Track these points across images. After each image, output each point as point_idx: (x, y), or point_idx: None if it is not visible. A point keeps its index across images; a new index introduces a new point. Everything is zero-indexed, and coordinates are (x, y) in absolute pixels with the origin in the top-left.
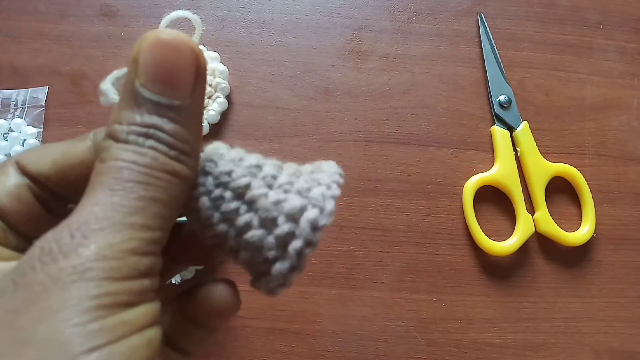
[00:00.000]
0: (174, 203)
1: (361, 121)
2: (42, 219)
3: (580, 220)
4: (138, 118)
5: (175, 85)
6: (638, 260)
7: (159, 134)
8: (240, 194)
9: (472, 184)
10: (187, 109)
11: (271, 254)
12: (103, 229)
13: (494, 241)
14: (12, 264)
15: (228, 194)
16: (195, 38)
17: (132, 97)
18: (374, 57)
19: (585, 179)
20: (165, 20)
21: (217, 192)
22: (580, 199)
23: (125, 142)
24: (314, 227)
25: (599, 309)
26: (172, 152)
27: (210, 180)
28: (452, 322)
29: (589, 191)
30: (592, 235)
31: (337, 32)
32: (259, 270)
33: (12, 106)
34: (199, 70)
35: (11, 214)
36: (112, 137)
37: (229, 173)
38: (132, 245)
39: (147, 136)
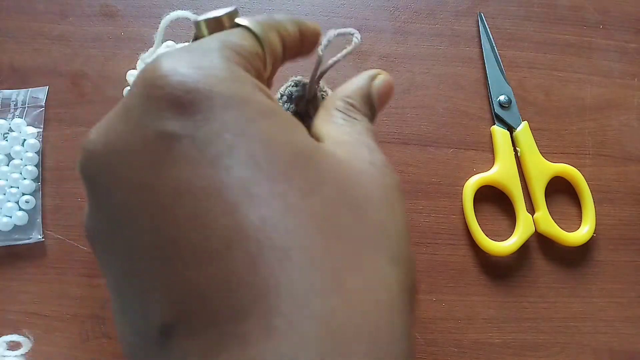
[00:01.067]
0: None
1: None
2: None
3: (580, 220)
4: (364, 108)
5: (382, 106)
6: (638, 260)
7: (368, 115)
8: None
9: (472, 184)
10: (376, 113)
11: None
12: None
13: (494, 241)
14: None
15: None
16: None
17: (365, 96)
18: (374, 57)
19: (585, 179)
20: (166, 20)
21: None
22: (580, 199)
23: (358, 113)
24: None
25: (599, 309)
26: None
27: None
28: (452, 322)
29: (589, 191)
30: (592, 235)
31: None
32: None
33: (12, 106)
34: None
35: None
36: (351, 106)
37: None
38: None
39: (364, 115)
